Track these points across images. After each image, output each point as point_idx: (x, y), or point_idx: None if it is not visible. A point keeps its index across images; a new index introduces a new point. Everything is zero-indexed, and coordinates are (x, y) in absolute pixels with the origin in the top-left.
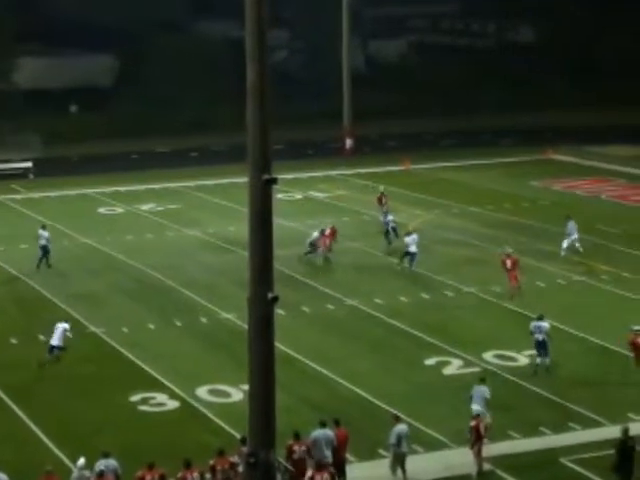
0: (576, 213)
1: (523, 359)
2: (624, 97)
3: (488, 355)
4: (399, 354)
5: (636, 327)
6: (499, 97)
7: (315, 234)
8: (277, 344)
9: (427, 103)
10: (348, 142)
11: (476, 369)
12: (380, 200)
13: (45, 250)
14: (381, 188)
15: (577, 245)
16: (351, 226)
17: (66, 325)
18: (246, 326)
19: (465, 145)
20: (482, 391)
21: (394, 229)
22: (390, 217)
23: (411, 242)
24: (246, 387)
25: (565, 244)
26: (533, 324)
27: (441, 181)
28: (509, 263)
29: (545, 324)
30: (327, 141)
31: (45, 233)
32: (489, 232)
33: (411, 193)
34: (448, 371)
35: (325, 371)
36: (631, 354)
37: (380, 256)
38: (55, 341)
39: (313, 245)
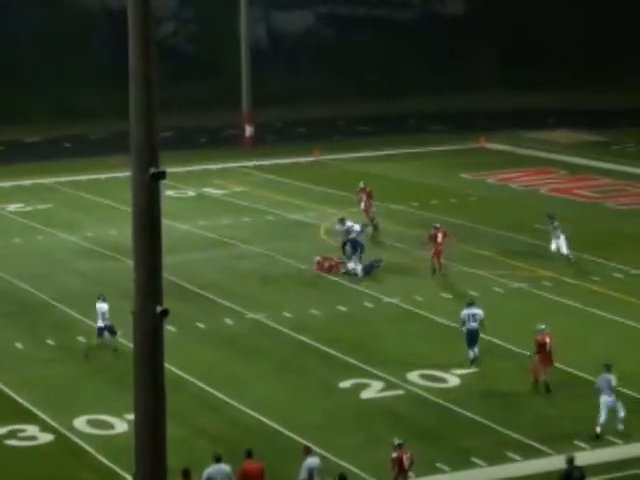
0: (511, 210)
1: (453, 379)
2: (566, 77)
3: (413, 375)
4: (310, 376)
5: (542, 326)
6: (424, 77)
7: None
8: (167, 365)
9: (341, 84)
10: (248, 129)
11: (399, 392)
12: (358, 194)
13: None
14: (361, 184)
15: (564, 250)
16: (253, 228)
17: (105, 306)
18: (131, 345)
19: (385, 132)
20: (608, 379)
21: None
22: (356, 227)
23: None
24: (131, 416)
25: (554, 246)
26: (465, 312)
27: (357, 174)
28: (440, 237)
29: (479, 311)
30: (224, 128)
31: None
32: (413, 233)
33: (322, 188)
34: (367, 395)
35: (224, 397)
36: (535, 367)
37: (288, 263)
38: (102, 322)
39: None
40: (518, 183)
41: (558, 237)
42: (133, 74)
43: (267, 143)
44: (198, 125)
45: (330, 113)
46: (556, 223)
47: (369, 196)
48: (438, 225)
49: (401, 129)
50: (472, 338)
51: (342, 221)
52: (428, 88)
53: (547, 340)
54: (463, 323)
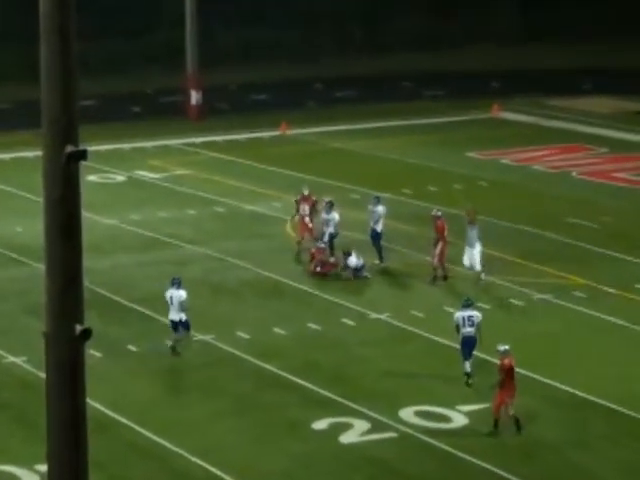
0: (534, 198)
1: (459, 418)
2: (604, 29)
3: (407, 413)
4: (275, 414)
5: (502, 347)
6: (420, 28)
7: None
8: (90, 402)
9: (313, 37)
10: (194, 96)
11: (390, 434)
12: (297, 204)
13: None
14: (304, 189)
15: (477, 267)
16: (199, 223)
17: (183, 294)
18: (43, 375)
19: (371, 99)
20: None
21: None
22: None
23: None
24: (44, 468)
25: (466, 259)
26: (459, 314)
27: (334, 152)
28: (446, 230)
29: (477, 314)
30: (162, 94)
31: None
32: (406, 229)
33: (288, 171)
34: (348, 438)
35: (165, 442)
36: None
37: (244, 267)
38: (176, 314)
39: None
40: (542, 164)
41: (473, 245)
42: (45, 26)
43: (219, 113)
44: (129, 90)
45: (301, 74)
46: (474, 225)
47: (313, 207)
48: (440, 213)
49: (391, 95)
50: (468, 346)
51: (330, 206)
52: (425, 43)
53: (513, 364)
54: (458, 328)
